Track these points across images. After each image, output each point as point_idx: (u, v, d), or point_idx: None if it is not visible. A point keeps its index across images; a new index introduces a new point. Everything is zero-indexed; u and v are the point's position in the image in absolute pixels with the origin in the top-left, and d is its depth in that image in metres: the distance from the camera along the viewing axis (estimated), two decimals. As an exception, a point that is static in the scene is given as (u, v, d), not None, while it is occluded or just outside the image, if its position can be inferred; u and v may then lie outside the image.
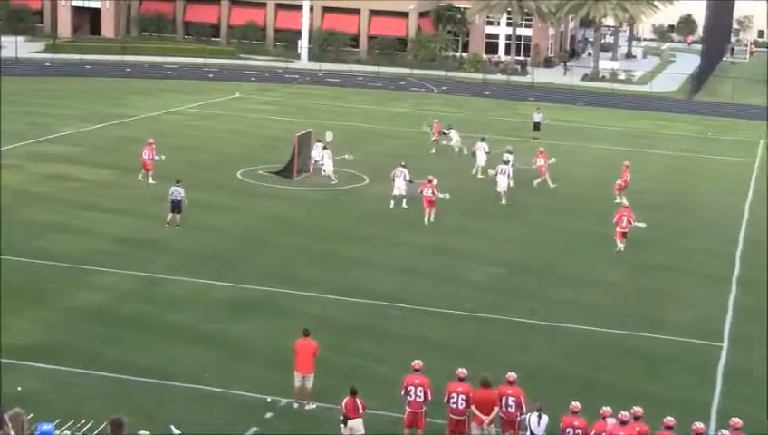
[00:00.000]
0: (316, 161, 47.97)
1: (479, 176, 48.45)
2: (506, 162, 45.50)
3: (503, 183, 44.46)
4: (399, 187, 42.57)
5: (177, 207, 37.74)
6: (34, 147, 52.20)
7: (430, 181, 40.69)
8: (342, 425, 21.29)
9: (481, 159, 49.18)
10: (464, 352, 26.95)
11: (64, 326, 28.09)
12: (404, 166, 42.98)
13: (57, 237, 36.37)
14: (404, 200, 42.58)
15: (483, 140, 50.61)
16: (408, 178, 42.48)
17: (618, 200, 43.36)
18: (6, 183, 43.75)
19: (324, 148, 47.84)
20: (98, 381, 24.42)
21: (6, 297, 29.61)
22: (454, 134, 54.74)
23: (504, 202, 44.19)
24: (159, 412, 22.43)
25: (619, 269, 36.32)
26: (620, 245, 37.70)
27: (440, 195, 40.70)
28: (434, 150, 54.22)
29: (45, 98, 68.38)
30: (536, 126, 61.93)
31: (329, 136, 50.12)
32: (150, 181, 43.72)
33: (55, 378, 24.62)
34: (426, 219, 40.51)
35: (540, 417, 20.58)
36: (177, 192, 37.71)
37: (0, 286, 29.94)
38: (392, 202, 42.66)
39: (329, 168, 46.83)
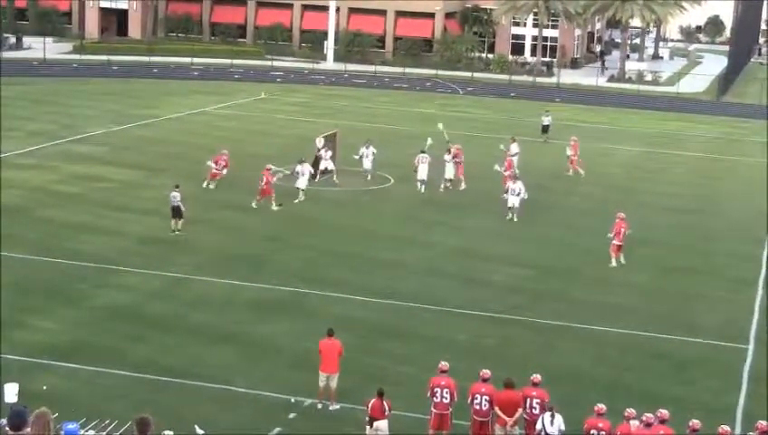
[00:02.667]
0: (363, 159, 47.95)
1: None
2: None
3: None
4: (423, 172, 45.47)
5: (176, 212, 37.58)
6: (62, 147, 52.52)
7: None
8: (368, 426, 21.30)
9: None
10: (489, 354, 26.94)
11: (90, 326, 28.25)
12: (424, 152, 45.84)
13: (84, 237, 36.58)
14: (423, 186, 45.39)
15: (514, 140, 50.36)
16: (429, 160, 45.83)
17: (570, 173, 48.49)
18: (34, 183, 44.11)
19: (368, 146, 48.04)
20: (123, 381, 24.55)
21: (34, 297, 29.91)
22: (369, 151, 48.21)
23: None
24: (184, 412, 22.50)
25: (644, 271, 36.18)
26: (614, 261, 36.22)
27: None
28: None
29: (73, 98, 68.77)
30: (545, 129, 61.93)
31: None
32: (210, 187, 44.12)
33: (81, 377, 24.78)
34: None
35: (553, 417, 20.51)
36: (175, 198, 37.58)
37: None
38: (420, 186, 45.47)
39: (368, 164, 47.58)
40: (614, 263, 36.30)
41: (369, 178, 47.30)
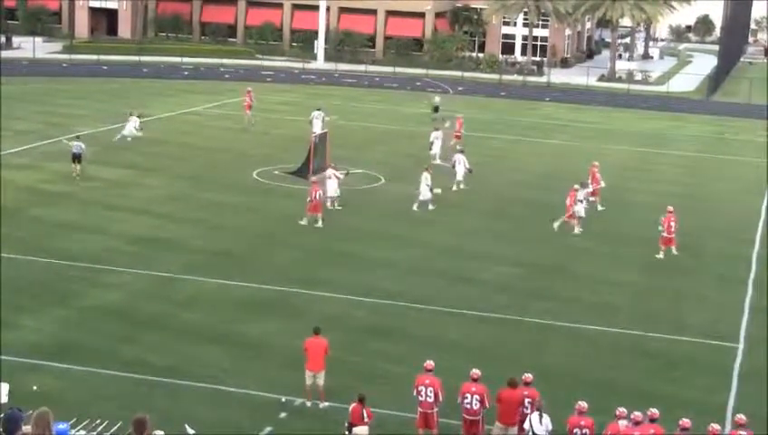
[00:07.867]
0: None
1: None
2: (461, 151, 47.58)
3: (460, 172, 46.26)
4: (460, 172, 45.85)
5: (77, 158, 43.93)
6: (52, 146, 52.32)
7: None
8: (347, 432, 21.09)
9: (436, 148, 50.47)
10: (479, 353, 26.93)
11: (80, 325, 28.18)
12: (461, 151, 46.85)
13: (74, 236, 36.48)
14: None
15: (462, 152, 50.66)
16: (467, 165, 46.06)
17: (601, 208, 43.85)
18: (24, 182, 43.99)
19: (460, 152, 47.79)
20: (113, 381, 24.49)
21: (23, 296, 29.80)
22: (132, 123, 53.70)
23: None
24: (174, 412, 22.44)
25: (634, 270, 36.22)
26: (661, 253, 37.21)
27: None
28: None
29: (63, 98, 68.65)
30: (435, 109, 65.65)
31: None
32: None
33: (71, 377, 24.70)
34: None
35: (541, 416, 20.45)
36: (78, 146, 44.02)
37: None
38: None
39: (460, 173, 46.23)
40: (660, 255, 37.18)
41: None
